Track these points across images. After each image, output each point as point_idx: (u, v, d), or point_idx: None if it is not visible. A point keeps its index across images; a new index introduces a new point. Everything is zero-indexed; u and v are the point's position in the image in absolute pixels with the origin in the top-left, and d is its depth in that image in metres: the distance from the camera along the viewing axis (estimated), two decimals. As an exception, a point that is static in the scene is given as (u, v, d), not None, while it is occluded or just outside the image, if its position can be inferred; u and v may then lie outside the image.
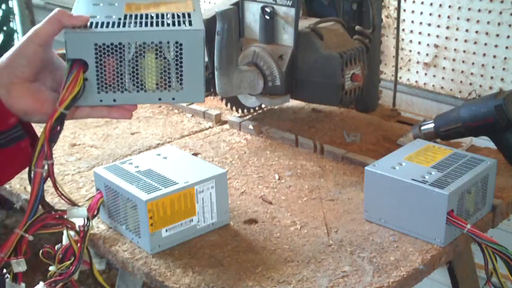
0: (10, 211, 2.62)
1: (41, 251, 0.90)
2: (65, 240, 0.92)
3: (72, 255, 0.91)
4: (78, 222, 0.89)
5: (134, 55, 0.75)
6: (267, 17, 1.29)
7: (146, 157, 1.07)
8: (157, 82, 0.77)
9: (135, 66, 0.76)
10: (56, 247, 0.91)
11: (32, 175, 0.77)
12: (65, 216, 0.85)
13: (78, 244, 0.89)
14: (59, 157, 1.29)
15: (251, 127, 1.39)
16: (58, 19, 0.75)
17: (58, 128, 0.77)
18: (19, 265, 0.78)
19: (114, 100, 0.77)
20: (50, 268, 0.90)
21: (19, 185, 1.16)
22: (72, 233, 0.92)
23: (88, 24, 0.76)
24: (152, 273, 0.91)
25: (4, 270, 0.80)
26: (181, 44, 0.76)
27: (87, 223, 0.90)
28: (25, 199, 1.13)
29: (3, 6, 3.09)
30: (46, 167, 0.77)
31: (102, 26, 0.76)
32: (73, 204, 0.88)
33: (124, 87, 0.77)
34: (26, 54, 0.75)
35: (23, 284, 0.82)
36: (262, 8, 1.29)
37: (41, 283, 0.86)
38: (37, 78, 0.77)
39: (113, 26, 0.76)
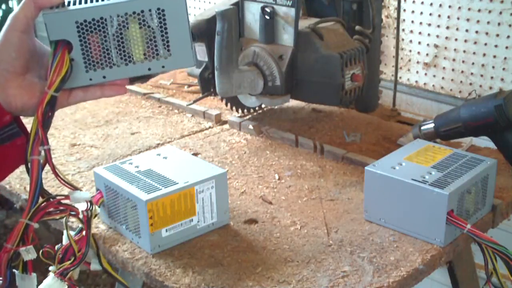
0: (10, 211, 2.62)
1: (41, 251, 0.90)
2: (65, 240, 0.92)
3: (72, 255, 0.91)
4: (81, 208, 0.88)
5: (118, 28, 0.74)
6: (267, 17, 1.29)
7: (146, 157, 1.07)
8: (144, 52, 0.76)
9: (120, 39, 0.75)
10: (56, 247, 0.91)
11: (29, 164, 0.76)
12: (68, 201, 0.84)
13: (84, 231, 0.88)
14: (59, 157, 1.29)
15: (251, 127, 1.39)
16: (33, 0, 0.73)
17: (50, 113, 0.75)
18: (29, 253, 0.78)
19: (104, 77, 0.76)
20: (50, 268, 0.90)
21: (19, 185, 1.16)
22: (72, 233, 0.92)
23: (66, 2, 0.75)
24: (152, 273, 0.91)
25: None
26: (163, 10, 0.74)
27: (90, 207, 0.89)
28: (25, 199, 1.13)
29: (3, 6, 3.09)
30: (42, 153, 0.76)
31: (80, 3, 0.74)
32: (75, 188, 0.87)
33: (112, 62, 0.75)
34: (13, 44, 0.73)
35: (34, 274, 0.81)
36: (262, 8, 1.29)
37: (51, 274, 0.86)
38: (28, 69, 0.76)
39: (91, 1, 0.74)
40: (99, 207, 1.01)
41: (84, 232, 0.90)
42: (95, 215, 0.97)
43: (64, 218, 0.89)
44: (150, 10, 0.74)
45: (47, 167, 0.78)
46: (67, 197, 0.84)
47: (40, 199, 0.78)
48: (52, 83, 0.74)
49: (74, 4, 0.74)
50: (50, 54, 0.74)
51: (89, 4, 0.74)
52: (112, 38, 0.75)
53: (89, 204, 0.88)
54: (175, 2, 0.75)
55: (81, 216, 0.87)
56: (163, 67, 0.77)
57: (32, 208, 0.77)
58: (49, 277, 0.86)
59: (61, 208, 0.83)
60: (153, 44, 0.76)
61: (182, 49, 0.77)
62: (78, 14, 0.73)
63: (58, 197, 0.82)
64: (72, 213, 0.85)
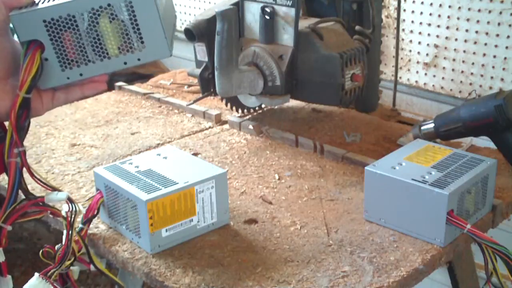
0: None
1: (41, 251, 0.90)
2: (65, 240, 0.92)
3: (72, 255, 0.91)
4: (65, 208, 0.88)
5: (89, 24, 0.74)
6: (267, 17, 1.29)
7: (146, 157, 1.07)
8: (118, 46, 0.76)
9: (93, 35, 0.74)
10: (56, 247, 0.91)
11: (7, 167, 0.76)
12: (43, 203, 0.84)
13: (65, 230, 0.88)
14: (59, 157, 1.29)
15: (251, 127, 1.39)
16: (2, 1, 0.73)
17: (25, 115, 0.75)
18: None
19: (81, 75, 0.76)
20: (36, 273, 0.90)
21: (19, 185, 1.16)
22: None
23: (37, 1, 0.74)
24: (152, 273, 0.91)
25: None
26: (130, 2, 0.74)
27: (72, 207, 0.89)
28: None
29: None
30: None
31: (48, 1, 0.74)
32: (53, 189, 0.87)
33: (87, 59, 0.76)
34: None
35: (9, 276, 0.82)
36: (262, 8, 1.29)
37: (36, 274, 0.86)
38: (9, 73, 0.76)
39: None
40: (99, 207, 1.01)
41: (82, 232, 0.90)
42: (91, 218, 0.97)
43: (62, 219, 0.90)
44: (118, 3, 0.74)
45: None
46: (43, 198, 0.84)
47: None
48: (23, 84, 0.74)
49: (43, 3, 0.74)
50: (21, 55, 0.74)
51: (55, 2, 0.73)
52: (84, 35, 0.74)
53: (71, 205, 0.88)
54: None
55: (64, 215, 0.87)
56: (138, 59, 0.77)
57: (7, 210, 0.77)
58: (33, 278, 0.86)
59: (37, 209, 0.83)
60: (126, 37, 0.75)
61: (156, 40, 0.76)
62: (45, 13, 0.73)
63: (33, 199, 0.82)
64: (55, 213, 0.85)
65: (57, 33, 0.74)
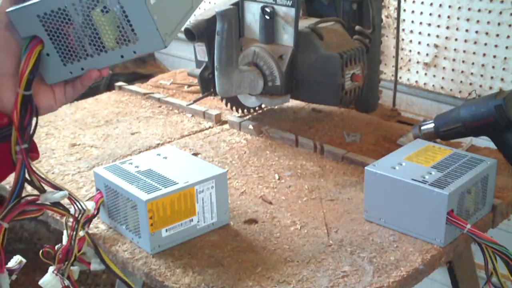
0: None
1: (41, 251, 0.90)
2: (65, 240, 0.92)
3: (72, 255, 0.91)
4: (75, 208, 0.88)
5: (84, 18, 0.74)
6: (267, 17, 1.29)
7: (146, 157, 1.07)
8: (114, 39, 0.76)
9: (89, 28, 0.75)
10: (56, 247, 0.91)
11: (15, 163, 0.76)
12: (38, 201, 0.84)
13: (66, 230, 0.88)
14: (59, 157, 1.29)
15: (251, 127, 1.39)
16: None
17: (29, 113, 0.75)
18: None
19: (82, 69, 0.77)
20: (50, 268, 0.90)
21: (19, 185, 1.16)
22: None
23: None
24: (152, 273, 0.91)
25: None
26: None
27: (80, 207, 0.88)
28: (25, 199, 1.13)
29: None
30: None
31: None
32: (55, 187, 0.86)
33: (86, 53, 0.76)
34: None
35: (6, 272, 0.82)
36: (262, 8, 1.29)
37: (51, 269, 0.86)
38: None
39: None
40: (99, 207, 1.01)
41: (81, 232, 0.90)
42: (93, 216, 0.96)
43: (64, 219, 0.90)
44: None
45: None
46: (38, 197, 0.84)
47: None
48: (21, 80, 0.74)
49: None
50: (22, 52, 0.74)
51: None
52: (80, 29, 0.75)
53: (77, 204, 0.88)
54: None
55: (77, 215, 0.87)
56: (134, 52, 0.77)
57: (7, 207, 0.77)
58: (47, 273, 0.87)
59: (35, 208, 0.83)
60: (121, 29, 0.75)
61: (148, 31, 0.75)
62: (36, 8, 0.73)
63: (29, 198, 0.82)
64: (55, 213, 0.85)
65: (53, 28, 0.74)
